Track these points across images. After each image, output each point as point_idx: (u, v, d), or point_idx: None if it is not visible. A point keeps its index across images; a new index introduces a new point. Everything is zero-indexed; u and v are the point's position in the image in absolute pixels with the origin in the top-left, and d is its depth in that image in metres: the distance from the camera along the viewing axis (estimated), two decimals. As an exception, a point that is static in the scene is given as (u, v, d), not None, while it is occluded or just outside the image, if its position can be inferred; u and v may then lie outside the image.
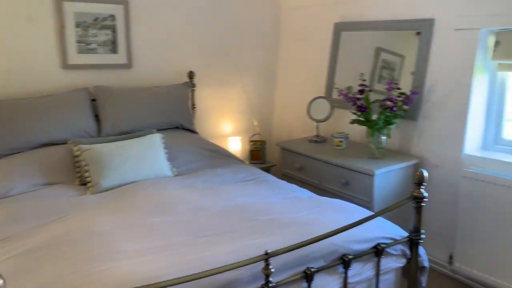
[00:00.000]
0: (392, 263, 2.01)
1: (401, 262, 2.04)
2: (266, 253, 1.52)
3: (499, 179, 2.47)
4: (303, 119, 3.64)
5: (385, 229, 2.02)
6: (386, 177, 2.75)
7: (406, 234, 2.02)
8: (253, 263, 1.52)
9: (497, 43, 2.63)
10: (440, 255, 2.87)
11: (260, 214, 2.12)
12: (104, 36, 3.20)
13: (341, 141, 3.16)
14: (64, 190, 2.47)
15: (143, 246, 1.79)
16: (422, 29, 2.90)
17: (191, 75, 3.54)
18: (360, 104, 2.87)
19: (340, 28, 3.50)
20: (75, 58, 3.11)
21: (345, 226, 1.75)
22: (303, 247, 1.64)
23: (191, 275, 1.42)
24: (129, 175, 2.57)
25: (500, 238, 2.49)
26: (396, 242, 1.97)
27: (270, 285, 1.55)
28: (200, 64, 3.64)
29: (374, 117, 2.87)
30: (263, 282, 1.55)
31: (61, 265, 1.66)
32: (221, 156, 3.14)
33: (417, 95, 2.83)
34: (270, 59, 4.13)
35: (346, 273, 1.83)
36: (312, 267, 1.70)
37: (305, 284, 1.71)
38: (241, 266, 1.52)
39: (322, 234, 1.68)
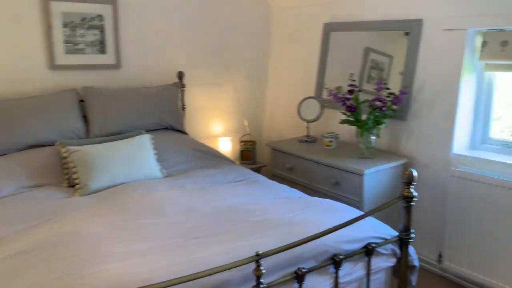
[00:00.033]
0: (383, 262, 2.02)
1: (391, 262, 2.05)
2: (257, 254, 1.51)
3: (487, 178, 2.50)
4: (294, 119, 3.64)
5: (375, 229, 2.03)
6: (376, 177, 2.76)
7: (396, 233, 2.03)
8: (244, 264, 1.51)
9: (484, 44, 2.66)
10: (429, 254, 2.89)
11: (251, 215, 2.12)
12: (92, 36, 3.17)
13: (331, 141, 3.17)
14: (52, 192, 2.44)
15: (132, 248, 1.77)
16: (410, 30, 2.92)
17: (180, 75, 3.51)
18: (349, 104, 2.88)
19: (329, 29, 3.51)
20: (62, 58, 3.07)
21: (335, 226, 1.75)
22: (294, 248, 1.64)
23: (181, 277, 1.41)
24: (118, 177, 2.54)
25: (488, 236, 2.52)
26: (386, 241, 1.98)
27: (261, 286, 1.54)
28: (190, 64, 3.62)
29: (364, 117, 2.88)
30: (254, 283, 1.55)
31: (49, 269, 1.63)
32: (211, 157, 3.12)
33: (406, 95, 2.85)
34: (260, 59, 4.12)
35: (337, 273, 1.84)
36: (303, 268, 1.70)
37: (296, 285, 1.71)
38: (232, 268, 1.51)
39: (313, 235, 1.68)
